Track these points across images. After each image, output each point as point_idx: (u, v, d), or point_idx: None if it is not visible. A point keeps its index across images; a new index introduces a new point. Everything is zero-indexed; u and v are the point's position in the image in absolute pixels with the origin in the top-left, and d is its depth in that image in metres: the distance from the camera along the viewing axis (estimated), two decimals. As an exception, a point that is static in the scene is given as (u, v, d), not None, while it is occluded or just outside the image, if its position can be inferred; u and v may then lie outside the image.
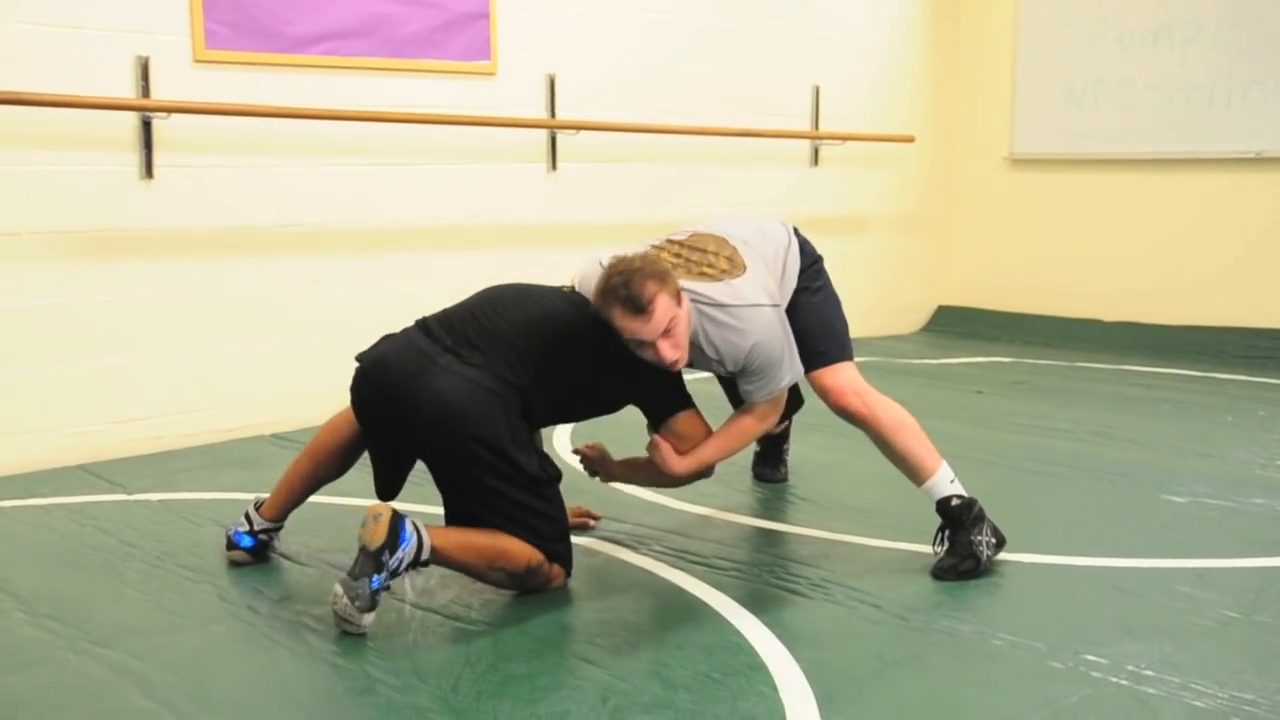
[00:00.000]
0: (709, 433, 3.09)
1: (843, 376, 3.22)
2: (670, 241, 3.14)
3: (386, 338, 2.98)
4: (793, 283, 3.23)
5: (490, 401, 2.77)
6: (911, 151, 7.14)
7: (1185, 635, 2.71)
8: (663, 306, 2.76)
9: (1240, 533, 3.46)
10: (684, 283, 2.91)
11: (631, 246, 3.10)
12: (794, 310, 3.18)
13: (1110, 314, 6.95)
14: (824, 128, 6.65)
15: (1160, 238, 6.77)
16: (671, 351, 2.81)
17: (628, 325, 2.77)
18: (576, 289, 3.08)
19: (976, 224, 7.55)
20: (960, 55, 7.46)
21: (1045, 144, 7.15)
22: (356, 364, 2.96)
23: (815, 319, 3.23)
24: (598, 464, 3.26)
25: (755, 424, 3.11)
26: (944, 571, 3.06)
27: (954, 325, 7.49)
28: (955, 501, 3.09)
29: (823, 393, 3.24)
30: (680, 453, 3.04)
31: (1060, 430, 4.72)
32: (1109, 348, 6.71)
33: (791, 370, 3.04)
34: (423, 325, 2.96)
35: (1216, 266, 6.58)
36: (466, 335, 2.88)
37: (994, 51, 7.31)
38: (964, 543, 3.07)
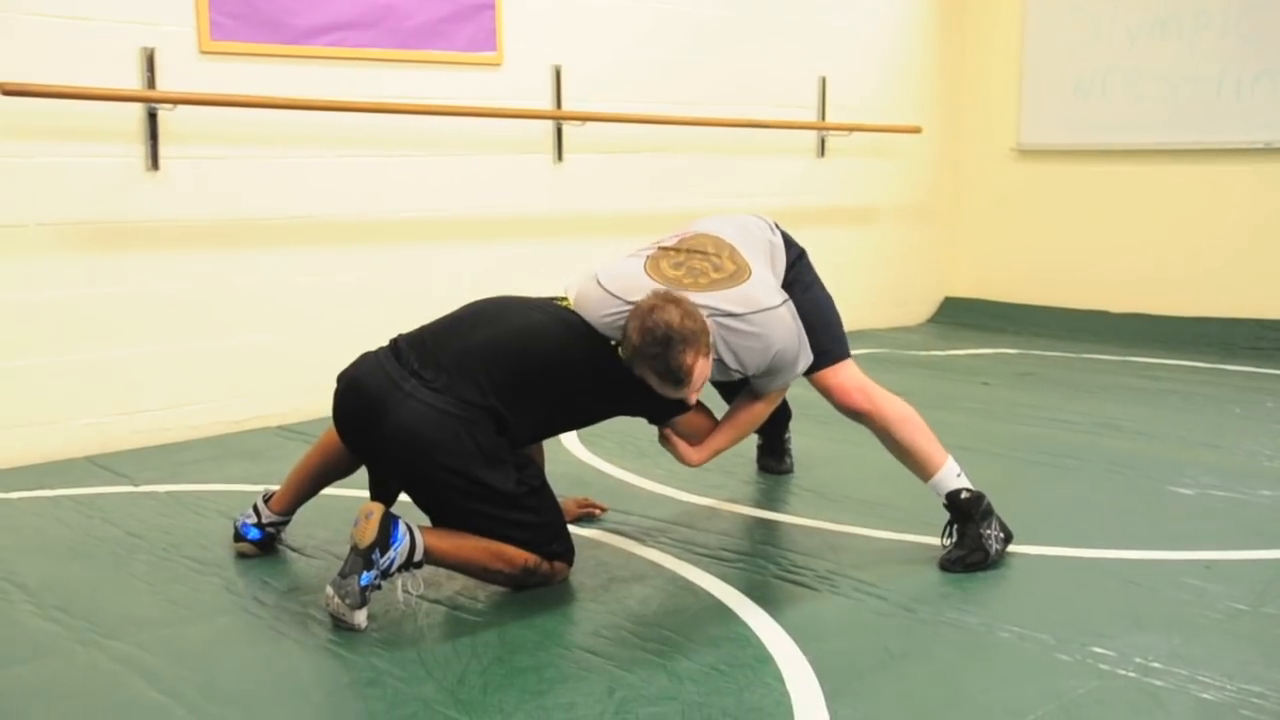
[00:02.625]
0: (714, 422, 3.12)
1: (845, 374, 3.21)
2: (664, 250, 3.07)
3: (363, 356, 2.94)
4: (781, 274, 3.21)
5: (454, 426, 2.73)
6: (918, 142, 7.12)
7: (1193, 627, 2.70)
8: (699, 372, 2.76)
9: (1248, 525, 3.45)
10: (696, 297, 2.85)
11: (628, 256, 3.08)
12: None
13: (1118, 305, 6.94)
14: (830, 118, 6.64)
15: (1168, 229, 6.75)
16: (694, 396, 2.86)
17: (662, 389, 2.79)
18: (573, 306, 2.99)
19: (984, 215, 7.53)
20: (967, 45, 7.44)
21: (1053, 134, 7.13)
22: (336, 383, 2.95)
23: (815, 316, 3.19)
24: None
25: (765, 408, 3.15)
26: (952, 563, 3.05)
27: (961, 316, 7.48)
28: (964, 495, 3.09)
29: (827, 392, 3.22)
30: (691, 445, 3.08)
31: (1067, 422, 4.71)
32: (1116, 339, 6.70)
33: (805, 360, 3.06)
34: (394, 345, 2.92)
35: (1224, 258, 6.56)
36: (435, 356, 2.83)
37: (1001, 41, 7.28)
38: (973, 535, 3.06)
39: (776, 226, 3.35)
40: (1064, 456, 4.19)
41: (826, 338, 3.21)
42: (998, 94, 7.33)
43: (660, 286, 2.87)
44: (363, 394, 2.83)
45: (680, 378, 2.73)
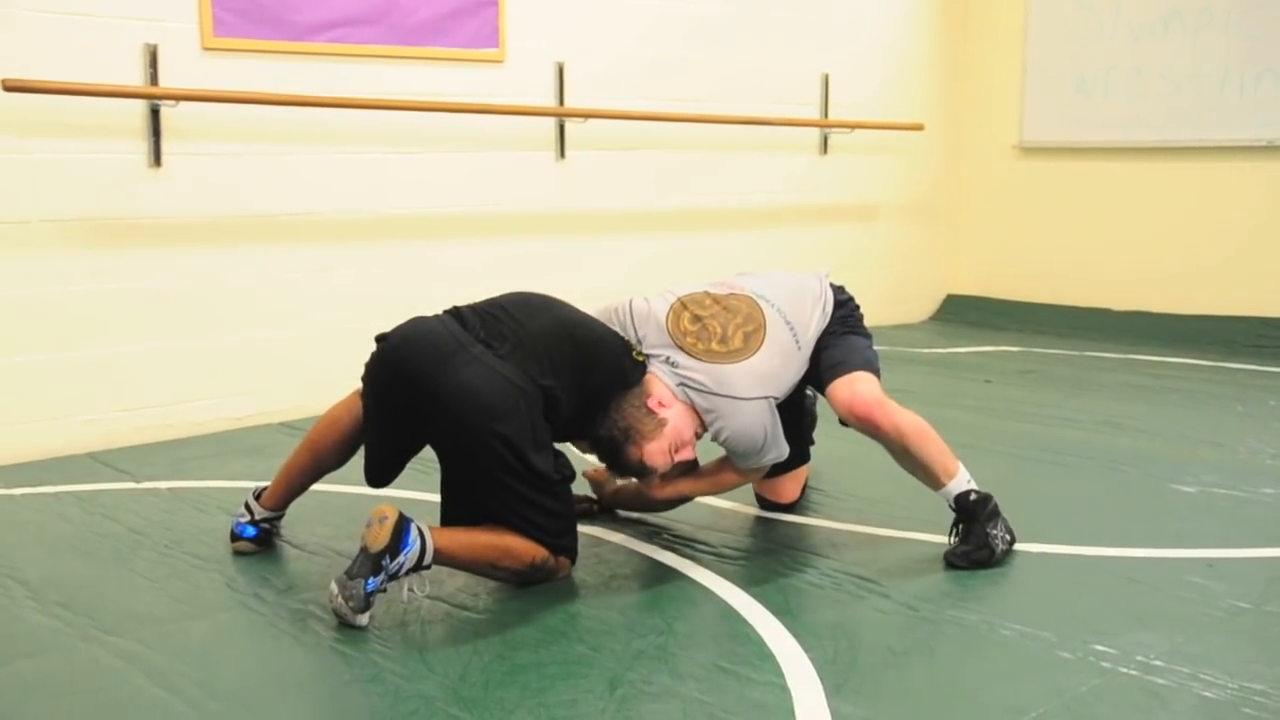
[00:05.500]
0: (695, 466, 3.24)
1: (861, 386, 3.12)
2: (706, 295, 3.19)
3: (418, 318, 2.94)
4: (814, 337, 3.22)
5: (516, 398, 2.75)
6: (921, 139, 7.11)
7: (1195, 626, 2.70)
8: (652, 460, 2.98)
9: (1250, 523, 3.45)
10: (681, 359, 3.03)
11: (678, 293, 3.20)
12: (819, 349, 3.22)
13: (1120, 303, 6.93)
14: (833, 116, 6.63)
15: (1170, 227, 6.74)
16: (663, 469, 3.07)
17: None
18: (625, 324, 3.14)
19: (986, 212, 7.52)
20: (970, 43, 7.43)
21: (1055, 132, 7.12)
22: (377, 342, 2.93)
23: (837, 345, 3.22)
24: (603, 489, 3.37)
25: (737, 479, 3.22)
26: (958, 559, 3.05)
27: (963, 314, 7.47)
28: (973, 496, 3.08)
29: (835, 405, 3.16)
30: (664, 479, 3.19)
31: (1069, 419, 4.71)
32: (1118, 337, 6.69)
33: (774, 453, 3.09)
34: (455, 313, 2.95)
35: (1227, 256, 6.55)
36: (500, 329, 2.87)
37: (1004, 39, 7.27)
38: (980, 534, 3.06)
39: (832, 287, 3.37)
40: (1066, 454, 4.19)
41: (845, 355, 3.19)
42: (1000, 91, 7.32)
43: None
44: (425, 349, 2.80)
45: (642, 471, 3.02)
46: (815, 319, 3.23)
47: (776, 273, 3.44)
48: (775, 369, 3.08)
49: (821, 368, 3.20)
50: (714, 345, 3.05)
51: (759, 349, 3.06)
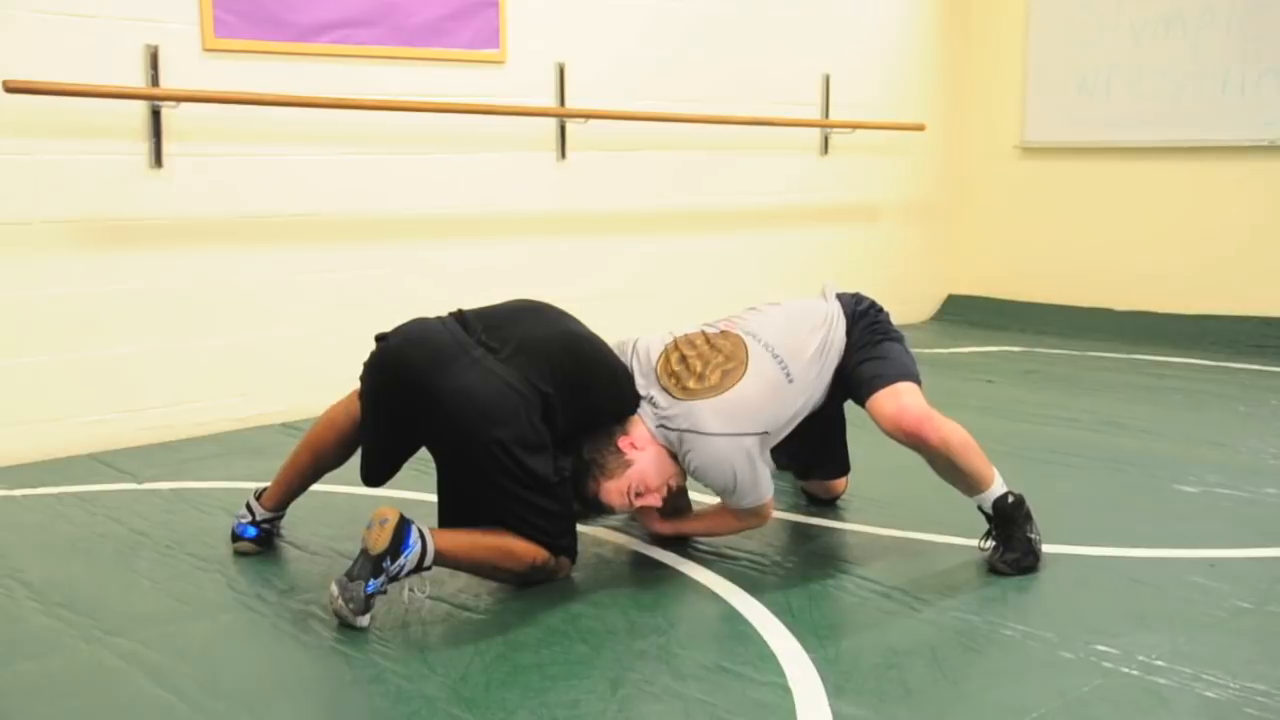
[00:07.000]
0: (689, 507, 3.28)
1: (906, 400, 3.04)
2: (701, 335, 3.17)
3: (420, 319, 2.94)
4: (829, 372, 3.16)
5: (516, 403, 2.74)
6: (922, 140, 7.11)
7: (1197, 626, 2.70)
8: (608, 498, 2.97)
9: (1253, 523, 3.45)
10: (660, 398, 3.01)
11: (677, 334, 3.19)
12: (854, 363, 3.17)
13: (1122, 303, 6.93)
14: (834, 116, 6.63)
15: (1172, 226, 6.74)
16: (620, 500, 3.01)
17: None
18: (633, 360, 3.13)
19: (987, 212, 7.52)
20: (972, 43, 7.43)
21: (1057, 132, 7.12)
22: (377, 342, 2.92)
23: (873, 356, 3.15)
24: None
25: (736, 523, 3.17)
26: (1007, 566, 3.00)
27: (964, 314, 7.47)
28: (1011, 499, 3.04)
29: (879, 420, 3.06)
30: (664, 516, 3.21)
31: (1071, 420, 4.71)
32: (1120, 337, 6.69)
33: (752, 496, 3.04)
34: (458, 316, 2.94)
35: (1229, 255, 6.55)
36: (503, 332, 2.86)
37: (1005, 39, 7.27)
38: (1022, 539, 3.02)
39: (846, 299, 3.30)
40: (1068, 454, 4.19)
41: (881, 367, 3.12)
42: (1002, 91, 7.32)
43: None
44: (425, 352, 2.80)
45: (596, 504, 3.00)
46: (815, 344, 3.13)
47: (782, 305, 3.31)
48: (752, 406, 3.00)
49: (860, 380, 3.13)
50: (690, 383, 3.02)
51: (734, 386, 3.01)
